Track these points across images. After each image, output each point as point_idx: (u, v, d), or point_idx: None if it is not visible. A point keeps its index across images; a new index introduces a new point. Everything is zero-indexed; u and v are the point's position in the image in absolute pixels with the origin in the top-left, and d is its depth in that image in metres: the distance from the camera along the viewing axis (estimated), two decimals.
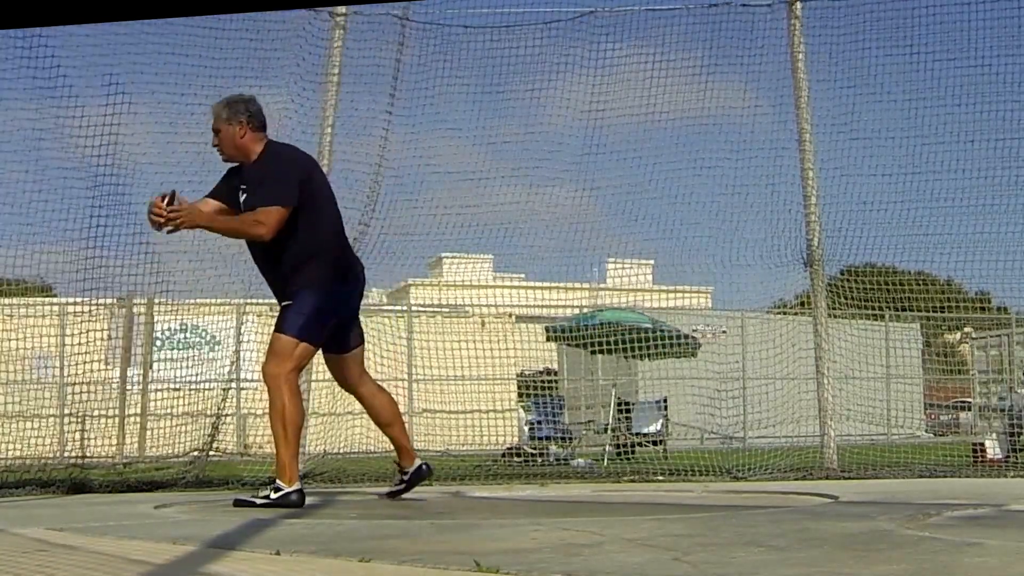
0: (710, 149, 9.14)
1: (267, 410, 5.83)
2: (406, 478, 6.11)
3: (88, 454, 9.58)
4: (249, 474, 8.32)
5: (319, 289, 5.80)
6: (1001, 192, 8.67)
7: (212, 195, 6.03)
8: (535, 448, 11.83)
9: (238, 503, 5.69)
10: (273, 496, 5.58)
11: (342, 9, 8.44)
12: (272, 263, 5.86)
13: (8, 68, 7.91)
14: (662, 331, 12.67)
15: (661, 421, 14.31)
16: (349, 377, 6.13)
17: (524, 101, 9.44)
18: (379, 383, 6.31)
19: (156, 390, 11.95)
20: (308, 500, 5.68)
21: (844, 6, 8.83)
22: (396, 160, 9.02)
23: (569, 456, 11.66)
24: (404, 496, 6.16)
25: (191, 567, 3.21)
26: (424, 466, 6.09)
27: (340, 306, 5.93)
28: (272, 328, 5.84)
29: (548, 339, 14.47)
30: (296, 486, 5.66)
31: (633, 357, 13.21)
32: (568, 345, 15.51)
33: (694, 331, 14.73)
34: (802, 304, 9.88)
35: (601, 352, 13.69)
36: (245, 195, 5.84)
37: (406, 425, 6.59)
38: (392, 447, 6.27)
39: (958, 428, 21.39)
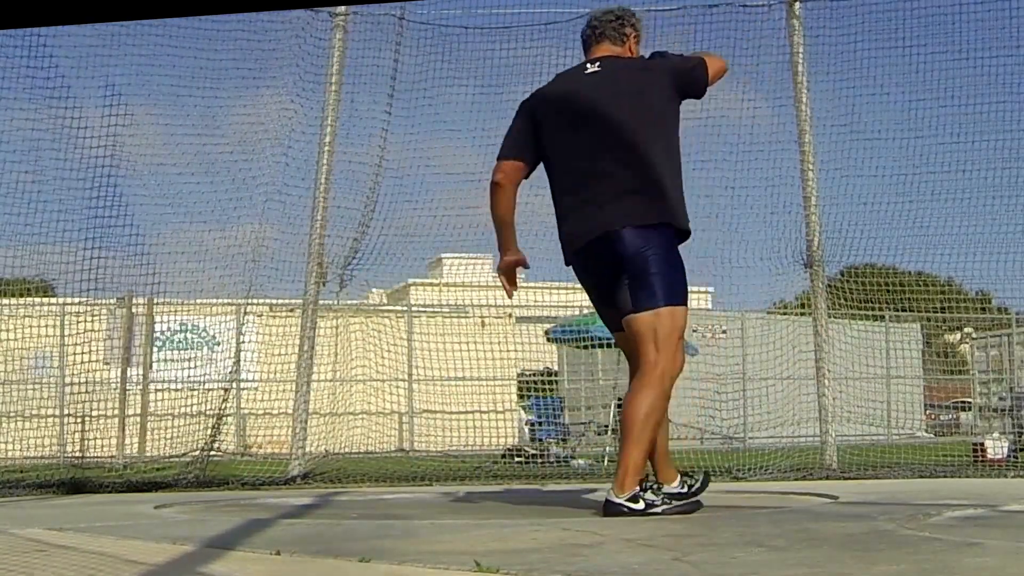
0: (710, 149, 9.13)
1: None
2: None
3: (88, 454, 9.58)
4: (249, 474, 8.32)
5: None
6: (1001, 191, 8.68)
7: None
8: (535, 448, 11.83)
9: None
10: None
11: (342, 9, 8.44)
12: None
13: (7, 68, 7.91)
14: None
15: None
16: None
17: None
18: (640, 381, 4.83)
19: (156, 390, 11.96)
20: (308, 500, 5.65)
21: (844, 6, 8.83)
22: (396, 160, 9.01)
23: (569, 456, 11.65)
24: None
25: (190, 567, 3.21)
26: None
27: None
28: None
29: (549, 341, 14.44)
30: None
31: None
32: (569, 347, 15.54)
33: (693, 331, 14.73)
34: (802, 305, 9.87)
35: (601, 347, 13.69)
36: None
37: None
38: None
39: (958, 428, 21.42)
